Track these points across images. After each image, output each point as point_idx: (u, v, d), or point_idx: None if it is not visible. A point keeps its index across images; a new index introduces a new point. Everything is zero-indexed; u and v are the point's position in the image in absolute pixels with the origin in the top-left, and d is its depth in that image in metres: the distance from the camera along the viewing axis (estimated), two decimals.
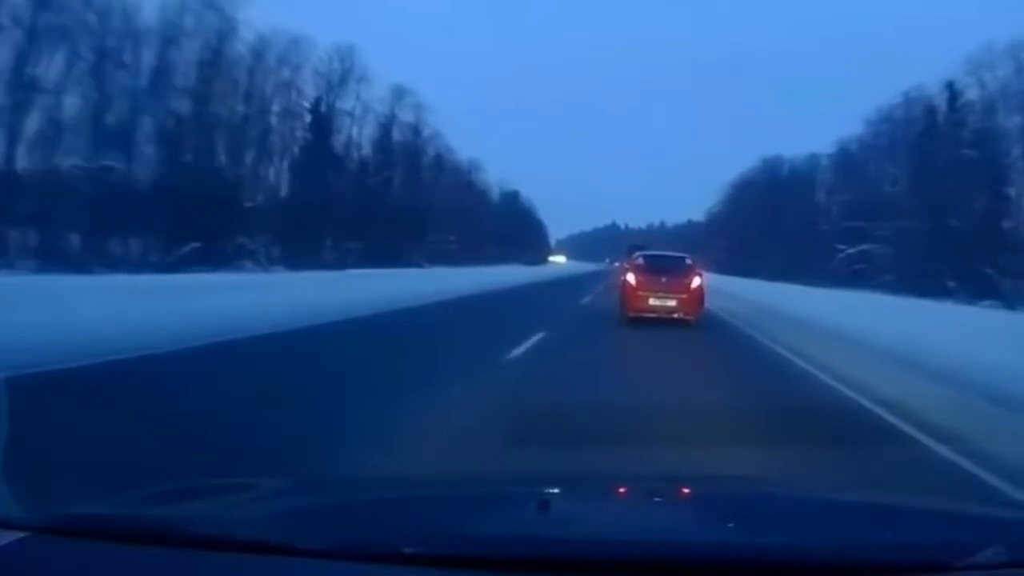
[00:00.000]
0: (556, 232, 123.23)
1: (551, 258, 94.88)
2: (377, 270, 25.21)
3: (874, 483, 3.84)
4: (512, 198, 74.27)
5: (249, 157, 33.66)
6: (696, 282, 13.68)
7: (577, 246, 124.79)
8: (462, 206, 52.43)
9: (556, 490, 1.74)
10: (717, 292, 23.97)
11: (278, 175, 36.52)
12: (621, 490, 1.88)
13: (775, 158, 60.17)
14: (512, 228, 69.28)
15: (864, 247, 41.48)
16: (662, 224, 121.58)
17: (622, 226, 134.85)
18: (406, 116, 45.40)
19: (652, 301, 13.33)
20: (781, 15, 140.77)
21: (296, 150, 36.85)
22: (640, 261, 14.30)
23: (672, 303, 13.31)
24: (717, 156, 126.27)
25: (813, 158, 53.51)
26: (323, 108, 38.42)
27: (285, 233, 33.29)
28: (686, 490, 1.87)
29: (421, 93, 45.40)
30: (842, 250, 43.09)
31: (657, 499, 1.75)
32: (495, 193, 67.87)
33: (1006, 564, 1.17)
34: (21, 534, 1.20)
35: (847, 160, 47.54)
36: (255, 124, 33.97)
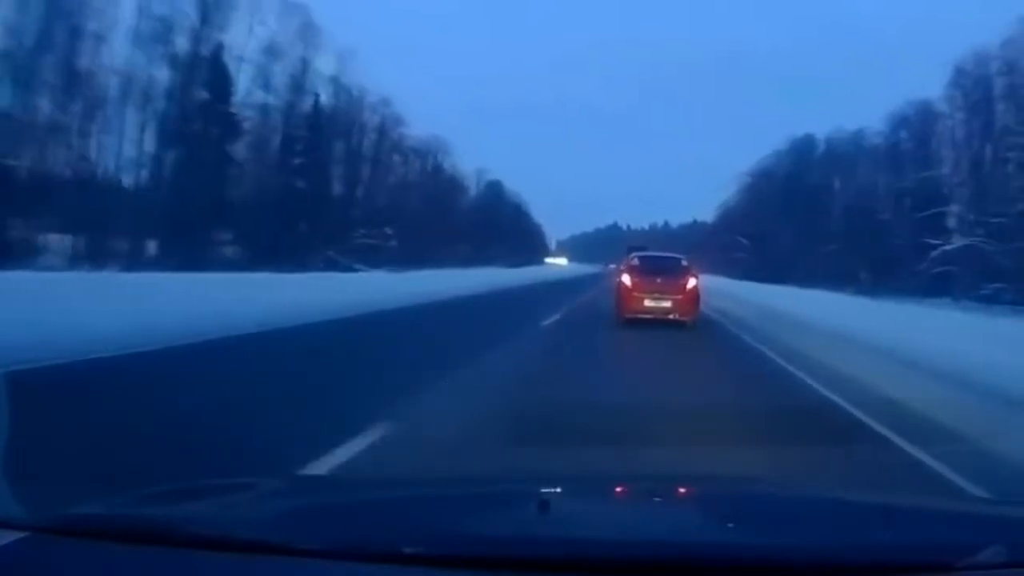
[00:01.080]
0: (558, 233, 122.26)
1: (549, 260, 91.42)
2: (259, 274, 17.59)
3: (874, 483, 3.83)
4: (493, 190, 63.04)
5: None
6: (692, 283, 13.74)
7: (579, 247, 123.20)
8: (426, 196, 43.74)
9: (556, 490, 1.75)
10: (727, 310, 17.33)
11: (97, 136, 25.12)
12: (621, 490, 1.88)
13: (805, 138, 49.61)
14: (495, 225, 59.56)
15: (969, 241, 29.58)
16: (666, 224, 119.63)
17: (624, 226, 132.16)
18: (325, 66, 33.37)
19: (648, 303, 13.37)
20: (781, 14, 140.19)
21: (149, 99, 26.06)
22: (636, 262, 14.28)
23: (667, 304, 13.35)
24: (720, 155, 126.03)
25: (859, 135, 43.70)
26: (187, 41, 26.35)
27: (95, 221, 23.60)
28: (686, 490, 1.87)
29: (420, 92, 40.02)
30: (936, 246, 31.07)
31: (657, 499, 1.76)
32: (474, 185, 58.00)
33: (1006, 564, 1.17)
34: (21, 534, 1.20)
35: (909, 131, 37.34)
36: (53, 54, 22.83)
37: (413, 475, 3.47)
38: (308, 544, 1.17)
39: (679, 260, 14.70)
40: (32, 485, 1.52)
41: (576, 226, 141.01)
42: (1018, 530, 1.47)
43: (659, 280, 13.55)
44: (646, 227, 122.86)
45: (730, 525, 1.52)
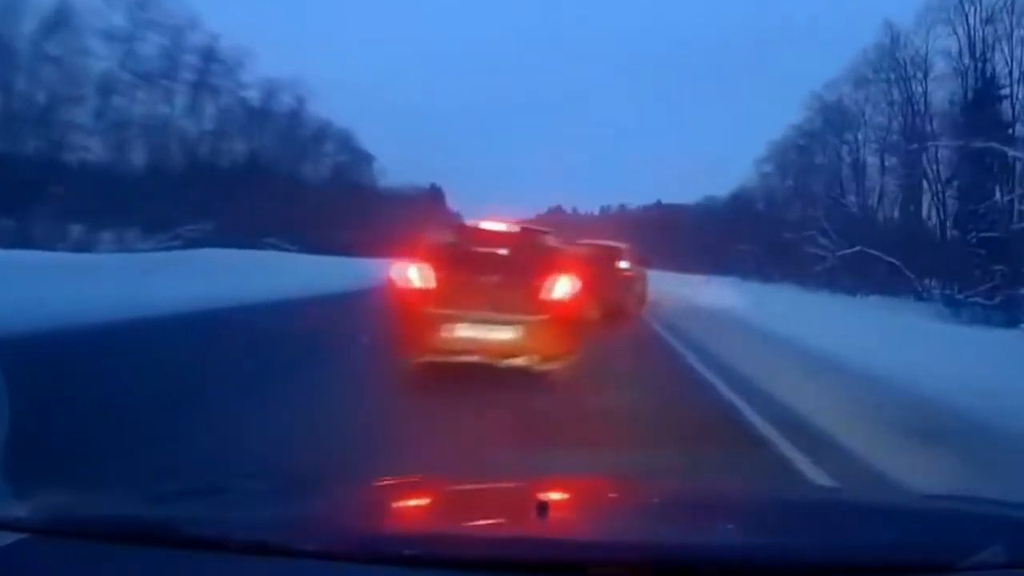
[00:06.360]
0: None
1: None
2: None
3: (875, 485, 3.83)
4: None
5: None
6: (563, 288, 6.18)
7: None
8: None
9: (556, 490, 1.75)
10: None
11: None
12: (620, 491, 1.88)
13: None
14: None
15: None
16: (621, 207, 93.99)
17: (569, 210, 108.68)
18: None
19: (461, 332, 5.96)
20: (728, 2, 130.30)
21: None
22: (447, 243, 6.85)
23: (505, 335, 5.99)
24: (666, 138, 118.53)
25: None
26: None
27: None
28: (685, 491, 1.87)
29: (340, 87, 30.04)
30: None
31: (656, 500, 1.76)
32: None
33: (1006, 564, 1.17)
34: (21, 534, 1.20)
35: None
36: None
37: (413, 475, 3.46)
38: (308, 544, 1.17)
39: (541, 235, 7.30)
40: None
41: (515, 214, 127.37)
42: (1018, 530, 1.47)
43: (495, 278, 6.22)
44: (596, 211, 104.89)
45: (729, 526, 1.52)
